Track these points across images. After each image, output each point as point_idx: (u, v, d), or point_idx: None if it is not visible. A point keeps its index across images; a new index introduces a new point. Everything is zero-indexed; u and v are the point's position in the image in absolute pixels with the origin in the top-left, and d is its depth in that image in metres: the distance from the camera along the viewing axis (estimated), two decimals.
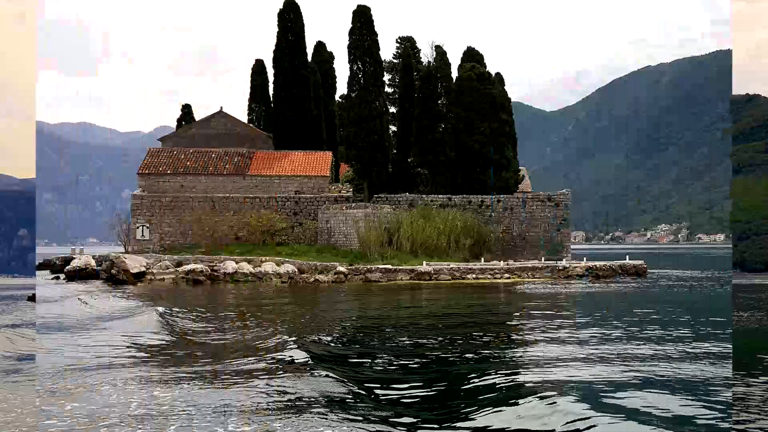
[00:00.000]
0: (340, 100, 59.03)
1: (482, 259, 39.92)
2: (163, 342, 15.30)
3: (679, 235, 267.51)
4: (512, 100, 54.45)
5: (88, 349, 14.24)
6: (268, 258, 37.66)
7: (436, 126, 48.62)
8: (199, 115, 58.65)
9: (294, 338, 15.27)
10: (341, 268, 35.36)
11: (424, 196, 45.73)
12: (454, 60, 52.08)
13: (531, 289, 30.86)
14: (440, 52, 48.59)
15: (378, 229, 39.56)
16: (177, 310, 21.30)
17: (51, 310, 21.92)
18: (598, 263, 41.03)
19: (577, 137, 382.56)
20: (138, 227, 42.51)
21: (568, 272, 38.60)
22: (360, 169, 47.75)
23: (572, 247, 55.44)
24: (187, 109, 58.75)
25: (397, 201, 44.10)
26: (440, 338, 15.94)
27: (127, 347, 14.47)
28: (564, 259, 43.07)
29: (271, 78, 51.00)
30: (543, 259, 42.66)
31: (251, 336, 16.23)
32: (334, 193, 43.98)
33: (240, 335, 16.51)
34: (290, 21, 48.71)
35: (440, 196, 45.19)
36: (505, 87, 49.46)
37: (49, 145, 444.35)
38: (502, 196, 45.27)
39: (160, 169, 44.90)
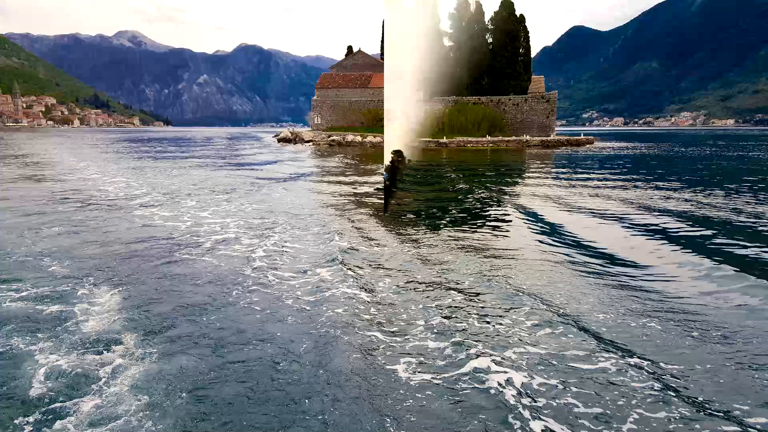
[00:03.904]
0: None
1: (488, 136, 47.37)
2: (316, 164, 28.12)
3: (697, 120, 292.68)
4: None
5: (276, 167, 27.01)
6: (369, 134, 50.29)
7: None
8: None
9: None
10: None
11: (463, 97, 51.89)
12: (488, 10, 54.77)
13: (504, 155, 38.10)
14: (478, 5, 56.45)
15: (431, 117, 49.30)
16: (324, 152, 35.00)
17: (265, 151, 38.03)
18: (554, 138, 47.29)
19: (622, 51, 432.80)
20: (315, 116, 59.72)
21: (529, 143, 45.08)
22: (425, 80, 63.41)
23: (558, 129, 60.41)
24: (349, 50, 68.97)
25: (446, 101, 51.38)
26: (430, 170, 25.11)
27: (294, 168, 27.19)
28: (551, 135, 49.84)
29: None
30: (527, 137, 47.90)
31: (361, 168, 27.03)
32: None
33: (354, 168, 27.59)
34: None
35: (473, 97, 52.40)
36: (526, 24, 56.75)
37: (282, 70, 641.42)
38: (512, 96, 52.97)
39: (326, 84, 59.43)
